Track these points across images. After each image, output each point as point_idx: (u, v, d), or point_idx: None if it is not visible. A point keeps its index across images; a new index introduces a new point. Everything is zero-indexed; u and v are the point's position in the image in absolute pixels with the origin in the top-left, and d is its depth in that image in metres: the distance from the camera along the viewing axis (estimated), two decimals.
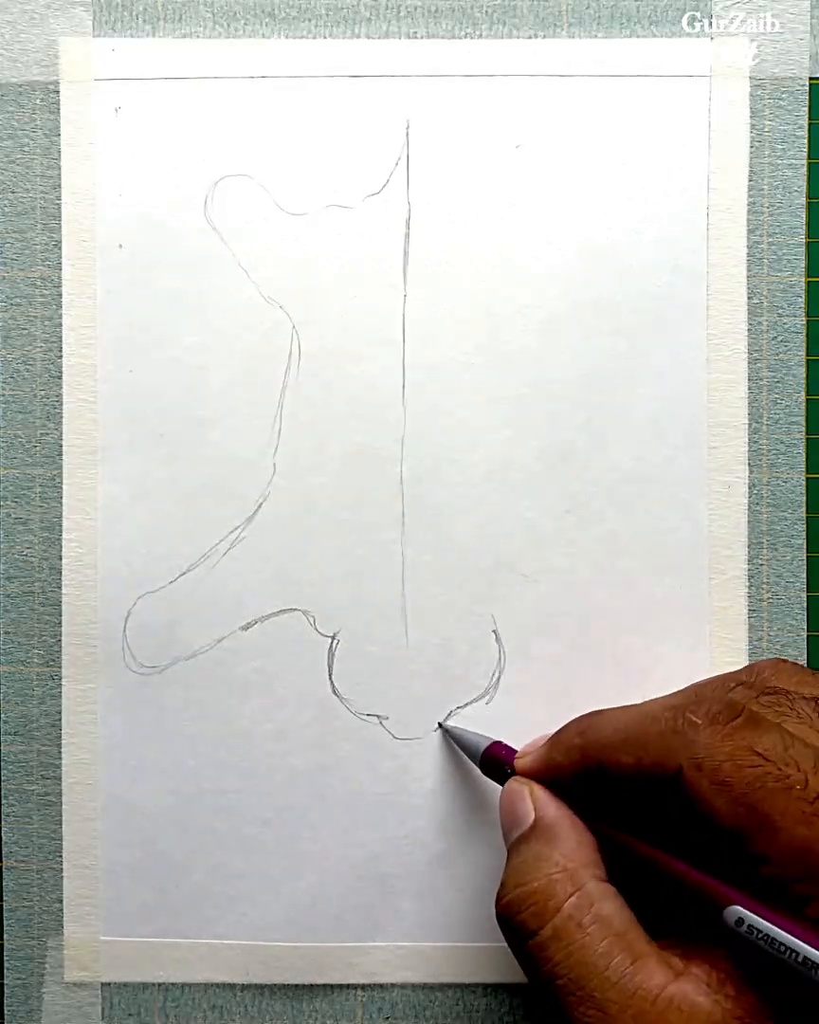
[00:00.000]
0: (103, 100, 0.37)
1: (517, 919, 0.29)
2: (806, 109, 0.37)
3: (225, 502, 0.37)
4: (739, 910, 0.27)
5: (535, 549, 0.37)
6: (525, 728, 0.37)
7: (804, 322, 0.38)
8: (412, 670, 0.37)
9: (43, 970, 0.38)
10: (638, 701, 0.37)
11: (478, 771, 0.36)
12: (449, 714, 0.37)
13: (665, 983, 0.27)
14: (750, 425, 0.38)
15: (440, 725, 0.37)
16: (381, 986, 0.38)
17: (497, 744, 0.35)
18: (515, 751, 0.35)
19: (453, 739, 0.37)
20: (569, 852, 0.30)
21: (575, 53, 0.37)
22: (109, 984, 0.38)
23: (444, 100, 0.37)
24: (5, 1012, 0.38)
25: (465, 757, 0.37)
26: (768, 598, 0.38)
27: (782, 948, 0.26)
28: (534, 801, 0.32)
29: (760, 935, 0.27)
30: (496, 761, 0.35)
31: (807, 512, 0.38)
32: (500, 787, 0.34)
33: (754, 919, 0.27)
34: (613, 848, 0.31)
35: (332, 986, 0.38)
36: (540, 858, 0.30)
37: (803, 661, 0.38)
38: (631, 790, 0.30)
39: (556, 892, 0.29)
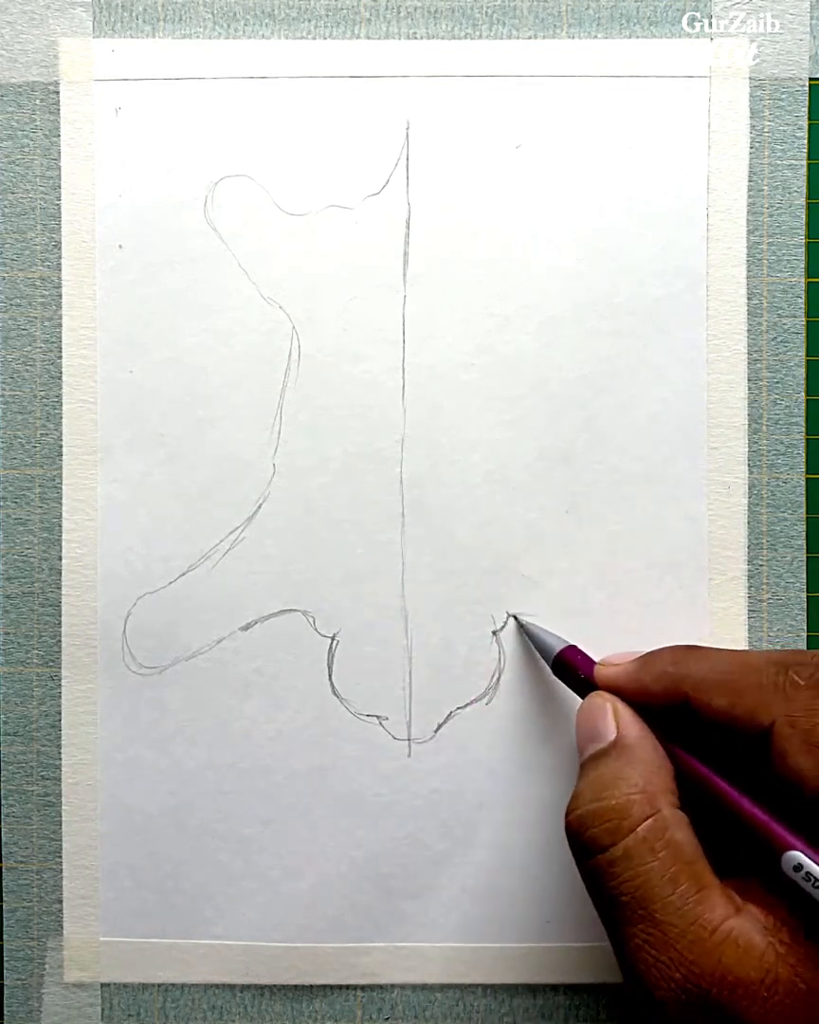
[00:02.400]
0: (103, 100, 0.37)
1: (589, 833, 0.30)
2: (806, 109, 0.37)
3: (225, 502, 0.37)
4: (798, 856, 0.27)
5: (535, 549, 0.37)
6: (525, 728, 0.37)
7: (804, 323, 0.38)
8: (412, 670, 0.37)
9: (43, 971, 0.38)
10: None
11: (477, 772, 0.36)
12: (449, 715, 0.37)
13: (726, 917, 0.28)
14: (750, 425, 0.38)
15: (513, 616, 0.37)
16: (381, 986, 0.38)
17: (572, 648, 0.35)
18: (591, 660, 0.34)
19: (526, 634, 0.37)
20: (648, 774, 0.30)
21: (575, 53, 0.37)
22: (109, 985, 0.38)
23: (444, 100, 0.37)
24: (5, 1013, 0.38)
25: (466, 756, 0.37)
26: (768, 598, 0.38)
27: None
28: (617, 718, 0.32)
29: (815, 882, 0.27)
30: (570, 667, 0.34)
31: (807, 512, 0.38)
32: (576, 699, 0.34)
33: (813, 866, 0.27)
34: (683, 779, 0.31)
35: (332, 986, 0.38)
36: (618, 776, 0.30)
37: None
38: (713, 732, 0.30)
39: (632, 812, 0.29)
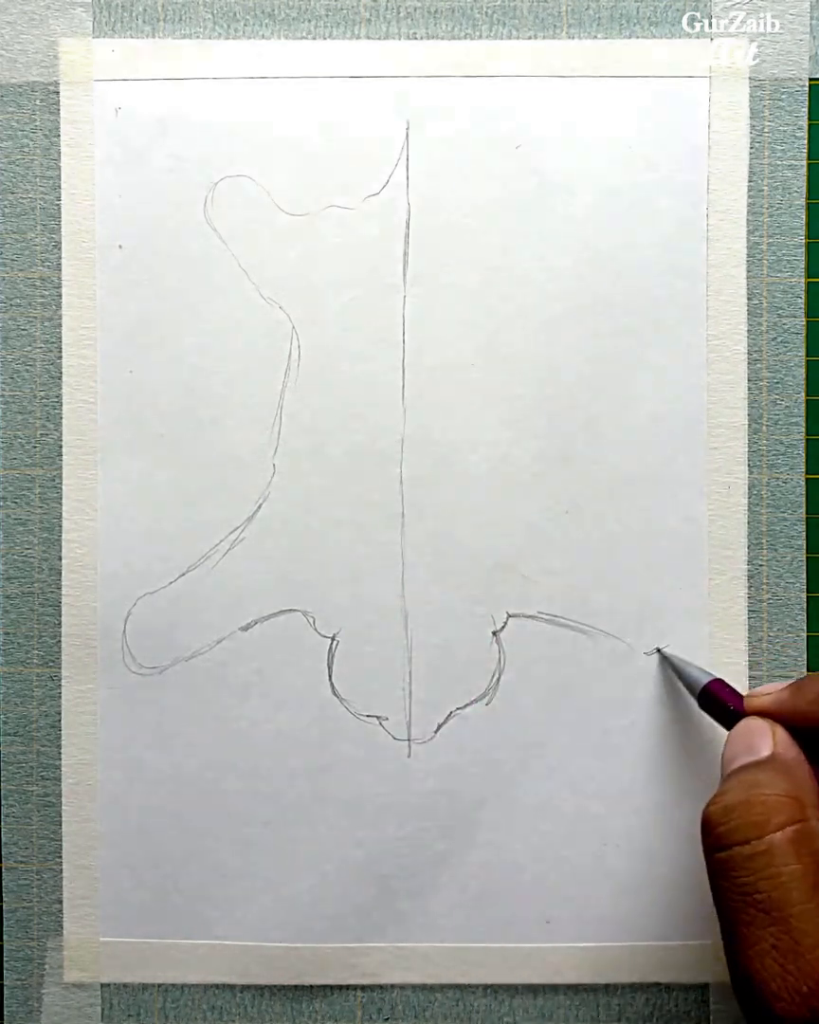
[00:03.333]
0: (103, 100, 0.37)
1: (733, 823, 0.29)
2: (806, 110, 0.37)
3: (225, 502, 0.37)
4: None
5: (535, 549, 0.37)
6: (525, 729, 0.37)
7: (804, 323, 0.38)
8: (412, 671, 0.37)
9: (42, 971, 0.38)
10: (636, 703, 0.37)
11: (477, 772, 0.36)
12: (449, 715, 0.37)
13: None
14: (750, 425, 0.38)
15: (658, 650, 0.37)
16: (380, 987, 0.38)
17: (719, 681, 0.35)
18: (738, 694, 0.34)
19: (672, 667, 0.37)
20: (800, 786, 0.30)
21: (575, 53, 0.37)
22: (108, 985, 0.38)
23: (444, 100, 0.37)
24: (5, 1013, 0.38)
25: (466, 756, 0.37)
26: (768, 598, 0.38)
27: None
28: (775, 738, 0.31)
29: None
30: (718, 700, 0.34)
31: (807, 512, 0.38)
32: (722, 728, 0.34)
33: None
34: None
35: (331, 987, 0.38)
36: (772, 781, 0.30)
37: (803, 662, 0.38)
38: None
39: (785, 812, 0.29)
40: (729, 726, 0.33)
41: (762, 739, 0.32)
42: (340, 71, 0.37)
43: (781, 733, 0.32)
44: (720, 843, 0.29)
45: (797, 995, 0.26)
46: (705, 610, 0.37)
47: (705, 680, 0.35)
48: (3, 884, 0.38)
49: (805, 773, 0.31)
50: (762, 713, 0.33)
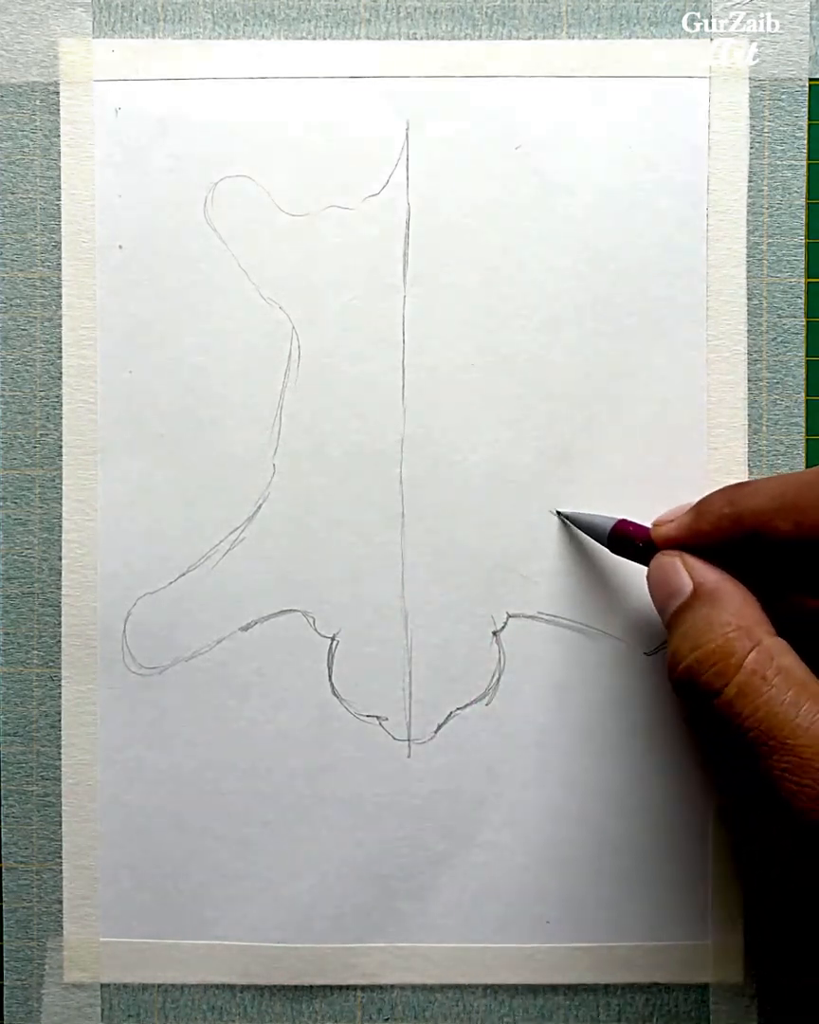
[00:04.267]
0: (103, 100, 0.37)
1: (701, 681, 0.30)
2: (806, 110, 0.37)
3: (225, 502, 0.37)
4: None
5: (535, 549, 0.37)
6: (525, 729, 0.37)
7: (804, 323, 0.38)
8: (412, 671, 0.37)
9: (42, 971, 0.38)
10: (636, 703, 0.37)
11: (476, 772, 0.36)
12: (449, 715, 0.37)
13: None
14: (750, 426, 0.37)
15: (558, 513, 0.37)
16: (380, 987, 0.38)
17: (624, 521, 0.35)
18: (644, 527, 0.34)
19: (572, 522, 0.37)
20: (738, 611, 0.30)
21: (575, 53, 0.37)
22: (108, 985, 0.38)
23: (444, 100, 0.37)
24: (4, 1013, 0.38)
25: (466, 756, 0.37)
26: None
27: None
28: (689, 570, 0.32)
29: None
30: (627, 538, 0.34)
31: None
32: (638, 566, 0.34)
33: None
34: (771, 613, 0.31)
35: (331, 987, 0.38)
36: (710, 620, 0.30)
37: None
38: (782, 559, 0.30)
39: (735, 649, 0.29)
40: (647, 562, 0.33)
41: (678, 576, 0.32)
42: (340, 71, 0.37)
43: (694, 562, 0.32)
44: (698, 701, 0.30)
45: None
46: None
47: (611, 523, 0.35)
48: (3, 884, 0.38)
49: (731, 591, 0.31)
50: (671, 542, 0.33)
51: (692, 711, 0.30)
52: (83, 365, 0.38)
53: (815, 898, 0.36)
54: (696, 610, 0.31)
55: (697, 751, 0.37)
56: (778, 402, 0.37)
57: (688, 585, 0.32)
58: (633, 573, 0.37)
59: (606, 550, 0.37)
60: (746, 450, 0.37)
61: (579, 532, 0.37)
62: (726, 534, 0.31)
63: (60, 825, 0.38)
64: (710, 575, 0.31)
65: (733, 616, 0.30)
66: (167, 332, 0.37)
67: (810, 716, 0.28)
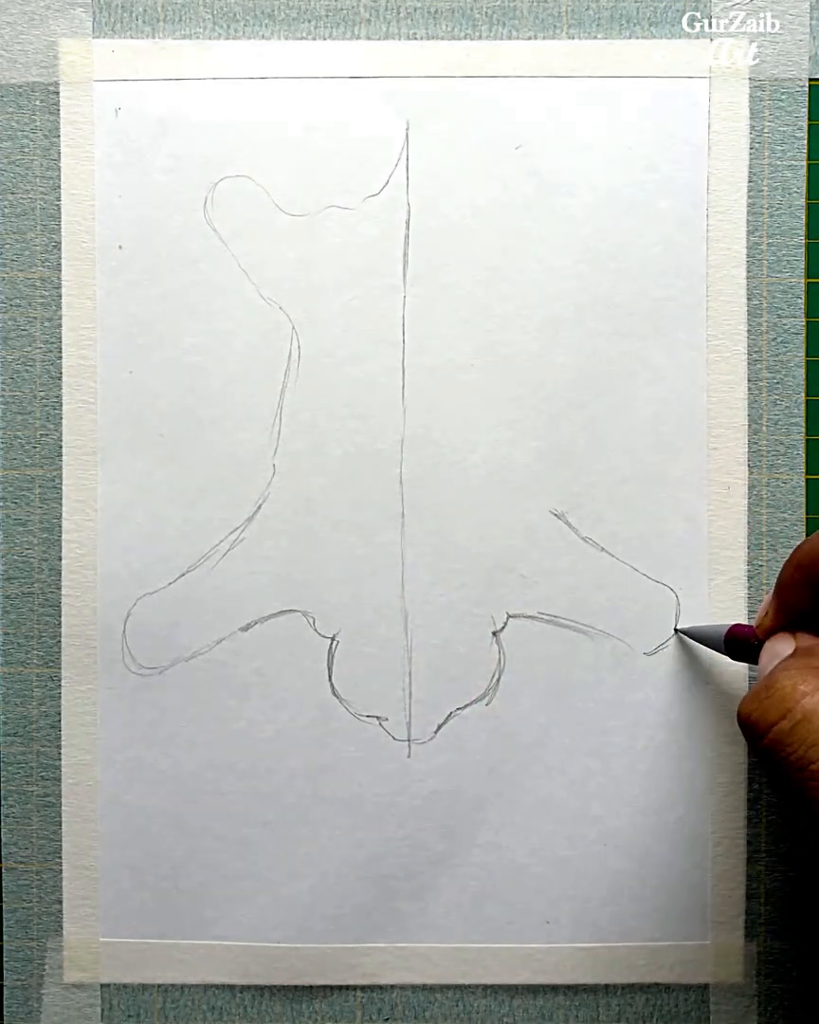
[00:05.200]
0: (103, 101, 0.37)
1: (765, 704, 0.28)
2: (806, 110, 0.37)
3: (225, 502, 0.37)
4: None
5: (535, 549, 0.37)
6: (525, 730, 0.37)
7: (804, 323, 0.38)
8: (412, 671, 0.37)
9: (42, 971, 0.38)
10: (636, 703, 0.37)
11: (476, 772, 0.36)
12: (449, 715, 0.37)
13: None
14: (750, 426, 0.37)
15: (676, 631, 0.37)
16: (380, 987, 0.38)
17: (737, 625, 0.35)
18: (751, 626, 0.34)
19: (692, 637, 0.37)
20: None
21: (575, 53, 0.37)
22: (108, 985, 0.38)
23: (444, 100, 0.37)
24: (5, 1013, 0.38)
25: (466, 756, 0.37)
26: None
27: None
28: (796, 638, 0.32)
29: None
30: (740, 639, 0.34)
31: (807, 513, 0.38)
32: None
33: None
34: None
35: (331, 987, 0.38)
36: (794, 665, 0.29)
37: None
38: None
39: (806, 678, 0.28)
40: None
41: (784, 644, 0.32)
42: (340, 71, 0.37)
43: (802, 635, 0.32)
44: (758, 730, 0.28)
45: None
46: (705, 610, 0.37)
47: (725, 629, 0.35)
48: (3, 884, 0.38)
49: None
50: (771, 631, 0.33)
51: (753, 739, 0.29)
52: (83, 365, 0.38)
53: None
54: (787, 661, 0.30)
55: (697, 751, 0.37)
56: (778, 402, 0.37)
57: (791, 648, 0.31)
58: (633, 573, 0.37)
59: (606, 551, 0.37)
60: (746, 450, 0.37)
61: (696, 646, 0.37)
62: (808, 598, 0.31)
63: (60, 825, 0.38)
64: (813, 640, 0.31)
65: (813, 663, 0.29)
66: (167, 332, 0.37)
67: None
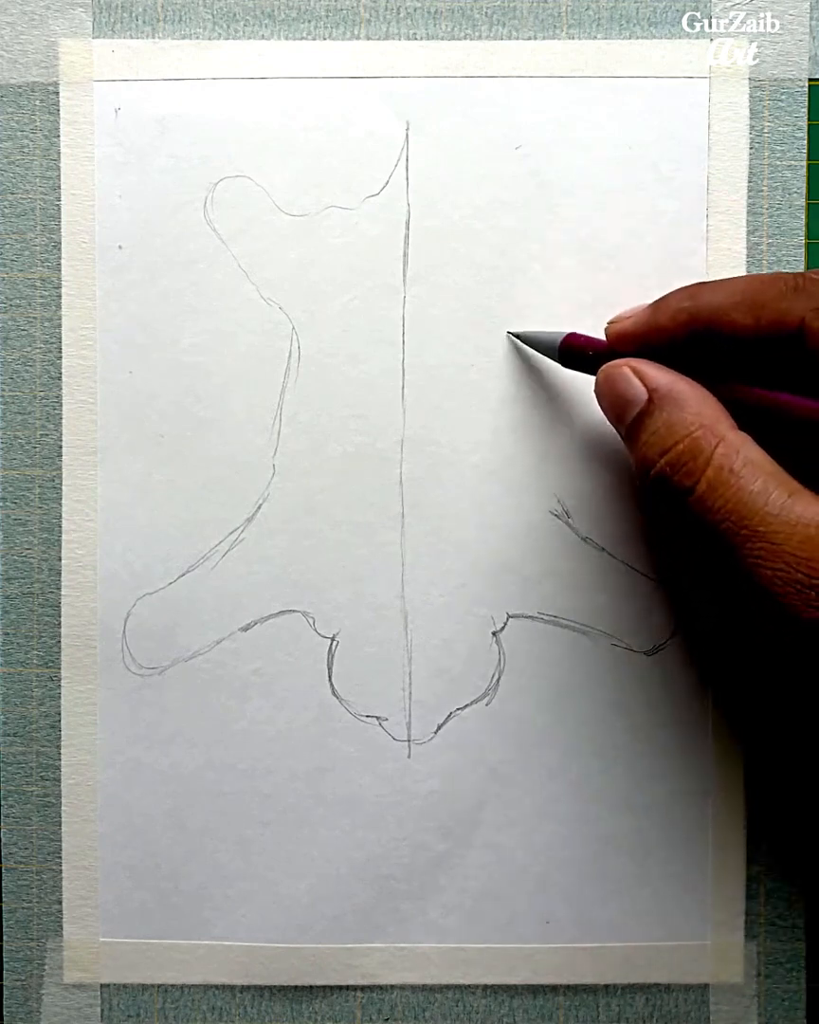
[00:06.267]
0: (103, 101, 0.37)
1: (673, 481, 0.30)
2: (805, 110, 0.37)
3: (225, 503, 0.37)
4: None
5: (535, 549, 0.37)
6: (525, 730, 0.37)
7: None
8: (412, 671, 0.37)
9: (42, 971, 0.38)
10: (636, 703, 0.37)
11: (477, 773, 0.36)
12: (449, 715, 0.37)
13: None
14: None
15: (509, 333, 0.37)
16: (380, 987, 0.38)
17: (575, 333, 0.34)
18: (597, 338, 0.34)
19: (522, 341, 0.36)
20: (698, 410, 0.31)
21: (575, 53, 0.37)
22: (108, 985, 0.38)
23: (444, 101, 0.37)
24: (4, 1013, 0.38)
25: (466, 757, 0.37)
26: None
27: None
28: (641, 376, 0.32)
29: None
30: (579, 348, 0.34)
31: None
32: (586, 376, 0.34)
33: None
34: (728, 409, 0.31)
35: (331, 987, 0.38)
36: (671, 422, 0.31)
37: None
38: (742, 355, 0.31)
39: (701, 447, 0.30)
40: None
41: (629, 384, 0.32)
42: (340, 71, 0.37)
43: (646, 367, 0.32)
44: (672, 502, 0.30)
45: (797, 585, 0.28)
46: (705, 610, 0.37)
47: (561, 336, 0.35)
48: (3, 884, 0.38)
49: (688, 391, 0.31)
50: (627, 338, 0.33)
51: (668, 514, 0.31)
52: (83, 365, 0.38)
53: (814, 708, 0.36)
54: (656, 415, 0.31)
55: (696, 751, 0.37)
56: None
57: (643, 392, 0.31)
58: (633, 573, 0.37)
59: (607, 551, 0.37)
60: None
61: (524, 349, 0.37)
62: (684, 328, 0.32)
63: (60, 825, 0.38)
64: (663, 378, 0.31)
65: (694, 415, 0.30)
66: (167, 332, 0.37)
67: (779, 502, 0.28)
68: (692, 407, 0.31)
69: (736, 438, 0.30)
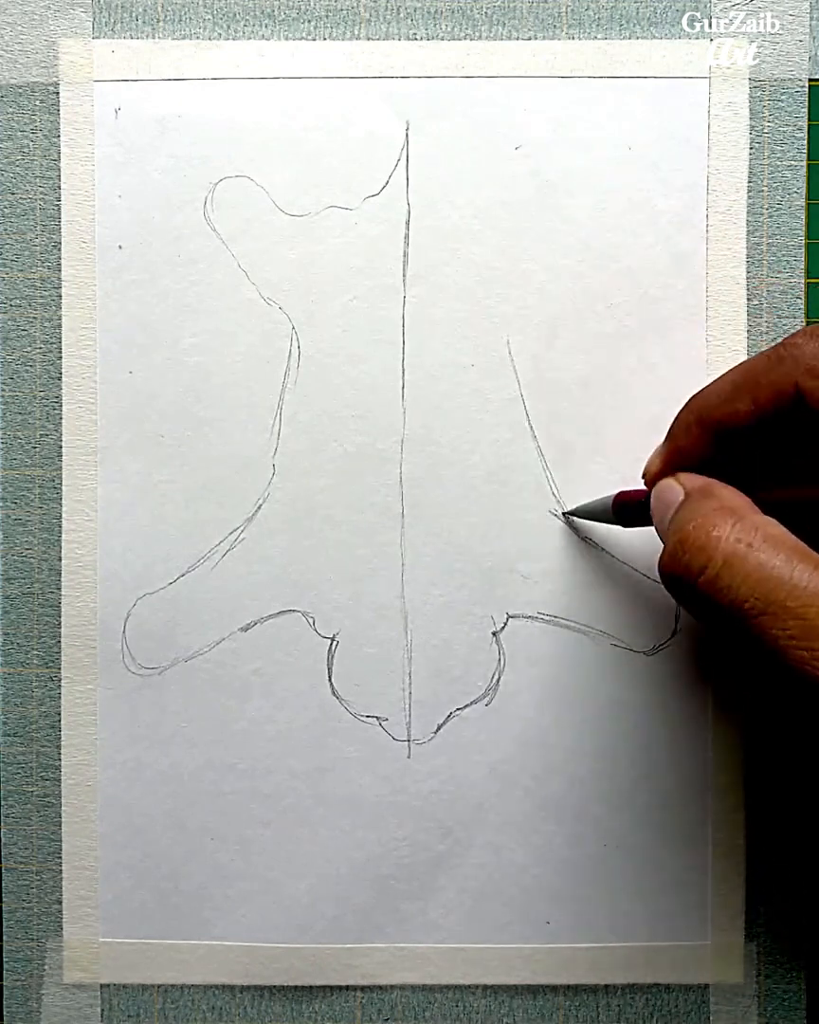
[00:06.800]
0: (103, 101, 0.37)
1: (682, 562, 0.28)
2: (805, 110, 0.37)
3: (225, 502, 0.37)
4: None
5: (535, 549, 0.37)
6: (525, 730, 0.37)
7: (804, 323, 0.38)
8: (412, 671, 0.37)
9: (42, 971, 0.38)
10: (636, 703, 0.37)
11: (476, 773, 0.36)
12: (449, 716, 0.37)
13: None
14: None
15: (564, 513, 0.37)
16: (380, 987, 0.38)
17: (623, 491, 0.35)
18: (640, 489, 0.34)
19: (579, 514, 0.37)
20: (725, 498, 0.30)
21: (575, 53, 0.37)
22: (108, 985, 0.38)
23: (444, 101, 0.37)
24: (4, 1013, 0.38)
25: (466, 757, 0.37)
26: None
27: None
28: (680, 482, 0.31)
29: None
30: (629, 502, 0.34)
31: None
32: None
33: None
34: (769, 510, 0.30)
35: (331, 988, 0.38)
36: (695, 510, 0.29)
37: None
38: (765, 445, 0.31)
39: (716, 523, 0.28)
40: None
41: (671, 492, 0.31)
42: (340, 71, 0.37)
43: (684, 476, 0.32)
44: (683, 586, 0.28)
45: None
46: None
47: (611, 497, 0.35)
48: (3, 884, 0.38)
49: (719, 487, 0.30)
50: (659, 476, 0.33)
51: (685, 590, 0.29)
52: (83, 365, 0.38)
53: None
54: (684, 507, 0.30)
55: (696, 751, 0.37)
56: None
57: (680, 492, 0.31)
58: (633, 573, 0.37)
59: (606, 551, 0.37)
60: None
61: (587, 525, 0.37)
62: (702, 442, 0.32)
63: (60, 825, 0.38)
64: (698, 479, 0.31)
65: (719, 501, 0.29)
66: (167, 332, 0.37)
67: (804, 575, 0.26)
68: (719, 496, 0.30)
69: (760, 519, 0.28)
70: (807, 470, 0.31)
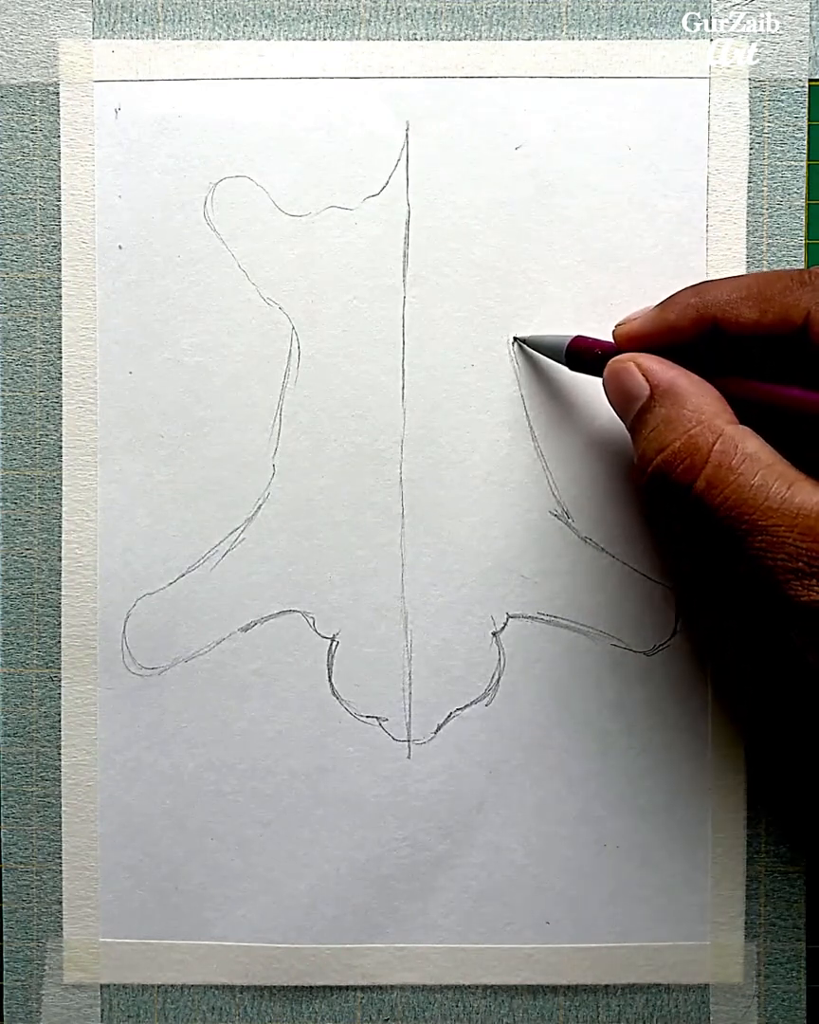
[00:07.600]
0: (103, 101, 0.37)
1: (672, 478, 0.31)
2: (805, 110, 0.37)
3: (225, 503, 0.37)
4: None
5: (535, 550, 0.37)
6: (525, 730, 0.37)
7: None
8: (412, 671, 0.37)
9: (42, 972, 0.38)
10: (636, 703, 0.37)
11: (476, 773, 0.36)
12: (449, 716, 0.37)
13: None
14: None
15: (516, 339, 0.37)
16: (380, 988, 0.38)
17: (582, 336, 0.35)
18: (604, 340, 0.34)
19: (531, 346, 0.37)
20: (697, 406, 0.31)
21: (575, 54, 0.37)
22: (108, 986, 0.38)
23: (444, 101, 0.37)
24: (4, 1014, 0.38)
25: (466, 757, 0.37)
26: None
27: None
28: (644, 371, 0.32)
29: None
30: (585, 350, 0.34)
31: None
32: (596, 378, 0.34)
33: None
34: (733, 403, 0.31)
35: (331, 988, 0.38)
36: (670, 419, 0.31)
37: None
38: (748, 350, 0.31)
39: (699, 444, 0.30)
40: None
41: (632, 378, 0.32)
42: (340, 71, 0.37)
43: (649, 361, 0.32)
44: (672, 500, 0.31)
45: (801, 575, 0.29)
46: (705, 610, 0.37)
47: (567, 340, 0.35)
48: (3, 884, 0.38)
49: (688, 387, 0.31)
50: (635, 338, 0.33)
51: (668, 510, 0.31)
52: (83, 366, 0.38)
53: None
54: (656, 410, 0.31)
55: (697, 751, 0.37)
56: None
57: (645, 387, 0.32)
58: (633, 573, 0.37)
59: (606, 551, 0.37)
60: None
61: (531, 360, 0.37)
62: (692, 325, 0.32)
63: (60, 825, 0.38)
64: (665, 373, 0.32)
65: (693, 411, 0.31)
66: (167, 332, 0.37)
67: (779, 495, 0.29)
68: (691, 403, 0.31)
69: (735, 432, 0.30)
70: (780, 377, 0.32)
